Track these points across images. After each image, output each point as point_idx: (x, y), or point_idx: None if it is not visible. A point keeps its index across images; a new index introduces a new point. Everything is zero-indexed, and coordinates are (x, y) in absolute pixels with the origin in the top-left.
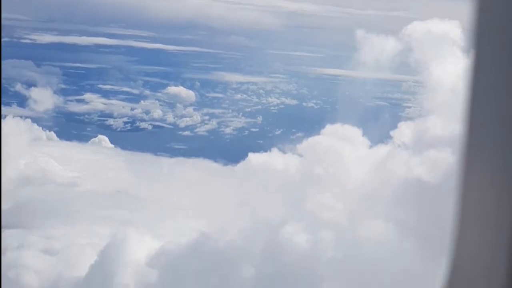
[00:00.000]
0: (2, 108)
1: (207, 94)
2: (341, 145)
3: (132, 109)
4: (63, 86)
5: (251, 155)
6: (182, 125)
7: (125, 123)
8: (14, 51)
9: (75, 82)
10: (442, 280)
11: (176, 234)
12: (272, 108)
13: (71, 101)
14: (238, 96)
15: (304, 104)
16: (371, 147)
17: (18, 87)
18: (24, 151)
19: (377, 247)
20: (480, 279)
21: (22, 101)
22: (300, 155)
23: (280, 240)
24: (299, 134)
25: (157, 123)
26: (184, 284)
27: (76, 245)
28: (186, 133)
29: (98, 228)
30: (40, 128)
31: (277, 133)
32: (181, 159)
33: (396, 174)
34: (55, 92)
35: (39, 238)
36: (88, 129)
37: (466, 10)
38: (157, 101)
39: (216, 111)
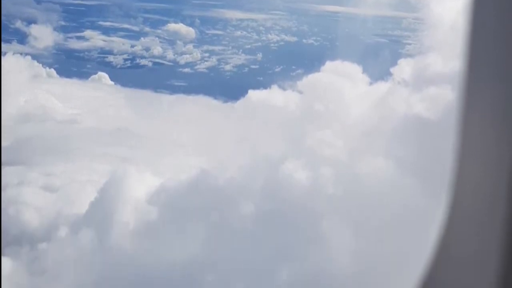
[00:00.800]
0: (2, 45)
1: (207, 31)
2: (341, 82)
3: (132, 46)
4: (63, 23)
5: (251, 92)
6: (182, 62)
7: (125, 60)
8: None
9: (75, 19)
10: (443, 216)
11: (176, 171)
12: (272, 45)
13: (71, 38)
14: (238, 33)
15: (304, 41)
16: (371, 84)
17: (18, 24)
18: (24, 88)
19: (377, 184)
20: (480, 214)
21: (22, 38)
22: (300, 92)
23: (280, 177)
24: (299, 71)
25: (157, 60)
26: (184, 221)
27: (76, 182)
28: (186, 70)
29: (98, 165)
30: (40, 65)
31: (277, 70)
32: (181, 96)
33: (396, 111)
34: (55, 29)
35: (39, 175)
36: (88, 66)
37: None
38: (157, 38)
39: (216, 48)
